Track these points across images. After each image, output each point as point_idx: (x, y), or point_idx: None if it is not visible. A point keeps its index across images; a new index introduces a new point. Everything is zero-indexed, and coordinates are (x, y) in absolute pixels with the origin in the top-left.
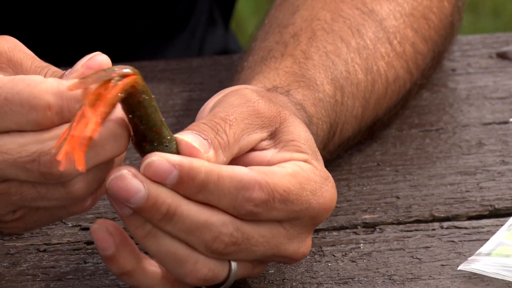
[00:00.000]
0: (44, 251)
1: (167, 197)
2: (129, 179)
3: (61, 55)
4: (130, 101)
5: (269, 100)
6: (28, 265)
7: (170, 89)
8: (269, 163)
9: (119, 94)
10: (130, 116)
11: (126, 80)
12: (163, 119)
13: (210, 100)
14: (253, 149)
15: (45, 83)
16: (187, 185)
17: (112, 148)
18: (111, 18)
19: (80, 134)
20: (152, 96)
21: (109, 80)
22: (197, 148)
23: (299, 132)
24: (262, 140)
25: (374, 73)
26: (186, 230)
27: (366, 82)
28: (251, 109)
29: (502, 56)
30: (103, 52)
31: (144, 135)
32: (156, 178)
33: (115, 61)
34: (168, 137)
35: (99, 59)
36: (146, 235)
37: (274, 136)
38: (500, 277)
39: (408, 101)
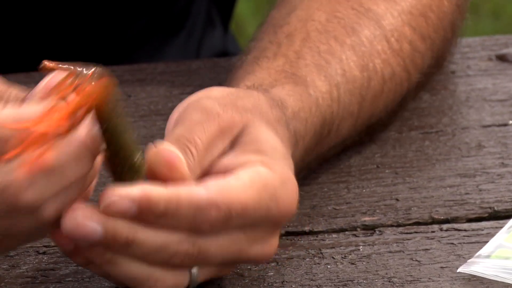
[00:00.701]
0: (44, 253)
1: (124, 229)
2: (84, 224)
3: (58, 57)
4: (104, 106)
5: (232, 106)
6: (27, 267)
7: (169, 92)
8: (227, 169)
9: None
10: (105, 126)
11: (97, 86)
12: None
13: (175, 110)
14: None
15: (4, 112)
16: (146, 217)
17: (74, 170)
18: (108, 19)
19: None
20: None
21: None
22: (177, 154)
23: (258, 133)
24: (224, 148)
25: (370, 70)
26: (144, 254)
27: (362, 79)
28: (212, 124)
29: (501, 58)
30: (101, 53)
31: (119, 145)
32: (116, 217)
33: (112, 62)
34: (136, 145)
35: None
36: (106, 263)
37: (235, 140)
38: (499, 280)
39: (407, 101)
